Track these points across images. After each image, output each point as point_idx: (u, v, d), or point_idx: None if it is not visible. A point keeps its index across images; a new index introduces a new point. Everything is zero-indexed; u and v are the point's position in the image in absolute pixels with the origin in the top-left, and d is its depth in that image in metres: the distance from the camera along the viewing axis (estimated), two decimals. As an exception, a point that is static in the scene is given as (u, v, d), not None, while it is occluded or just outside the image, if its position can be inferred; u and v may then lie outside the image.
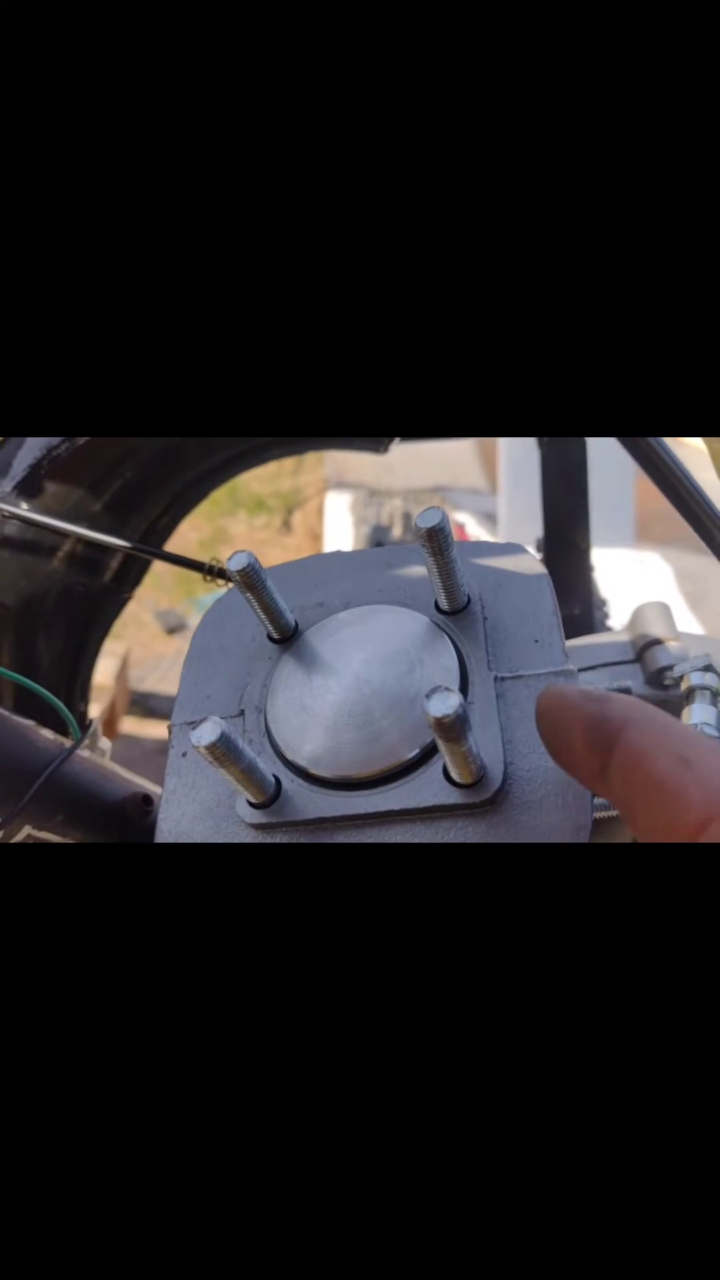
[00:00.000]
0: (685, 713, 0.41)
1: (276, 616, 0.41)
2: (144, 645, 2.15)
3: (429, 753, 0.37)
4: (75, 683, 0.61)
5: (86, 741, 0.51)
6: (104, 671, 1.63)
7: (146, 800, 0.52)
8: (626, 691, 0.47)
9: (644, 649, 0.50)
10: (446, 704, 0.30)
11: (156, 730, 1.75)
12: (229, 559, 0.39)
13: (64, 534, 0.60)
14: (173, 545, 0.81)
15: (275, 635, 0.42)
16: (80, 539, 0.60)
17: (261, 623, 0.42)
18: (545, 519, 0.90)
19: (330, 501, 2.49)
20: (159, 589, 2.33)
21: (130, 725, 1.74)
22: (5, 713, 0.48)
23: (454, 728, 0.30)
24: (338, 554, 0.46)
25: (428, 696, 0.30)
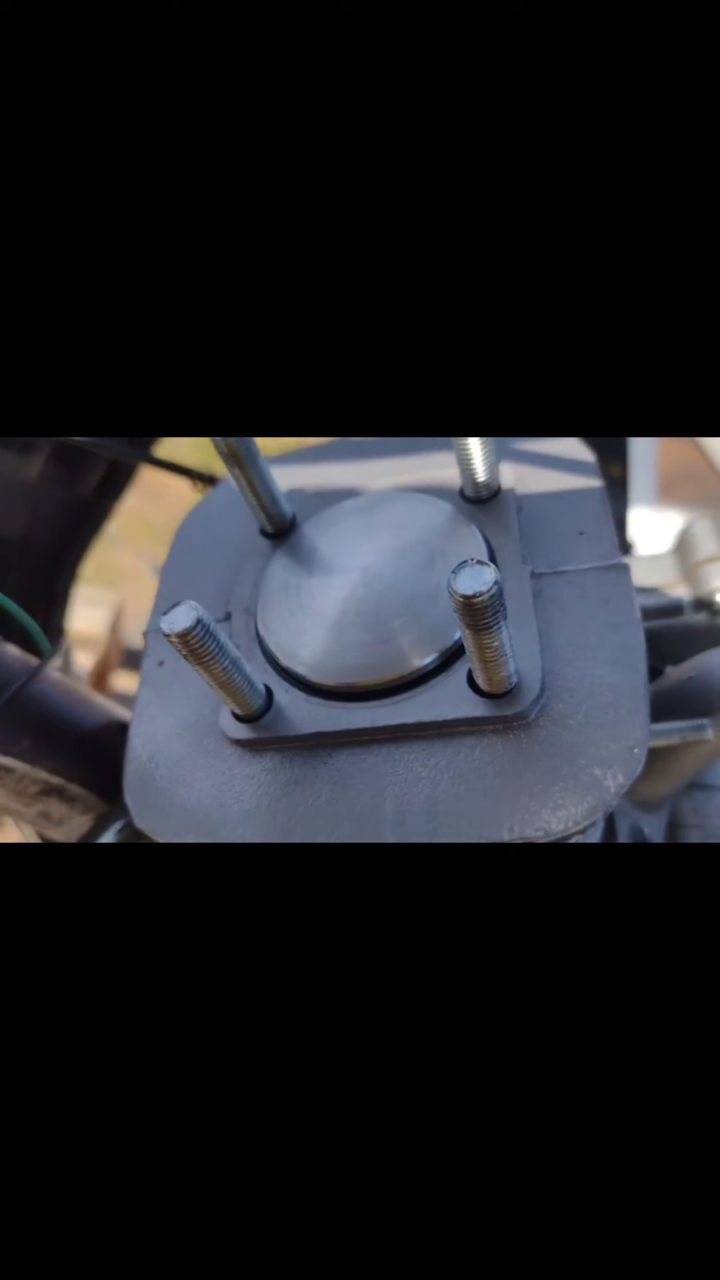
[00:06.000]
0: None
1: (270, 503, 0.36)
2: (140, 600, 2.09)
3: (452, 658, 0.31)
4: (53, 600, 0.55)
5: (58, 661, 0.45)
6: (97, 621, 1.57)
7: (124, 729, 0.47)
8: (674, 611, 0.42)
9: (692, 569, 0.45)
10: (479, 580, 0.24)
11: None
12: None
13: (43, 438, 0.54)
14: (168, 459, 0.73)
15: (269, 529, 0.37)
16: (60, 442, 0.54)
17: (253, 512, 0.36)
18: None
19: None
20: (156, 542, 2.26)
21: (125, 681, 1.69)
22: (-37, 623, 0.43)
23: (487, 611, 0.24)
24: (345, 441, 0.40)
25: (455, 572, 0.24)
